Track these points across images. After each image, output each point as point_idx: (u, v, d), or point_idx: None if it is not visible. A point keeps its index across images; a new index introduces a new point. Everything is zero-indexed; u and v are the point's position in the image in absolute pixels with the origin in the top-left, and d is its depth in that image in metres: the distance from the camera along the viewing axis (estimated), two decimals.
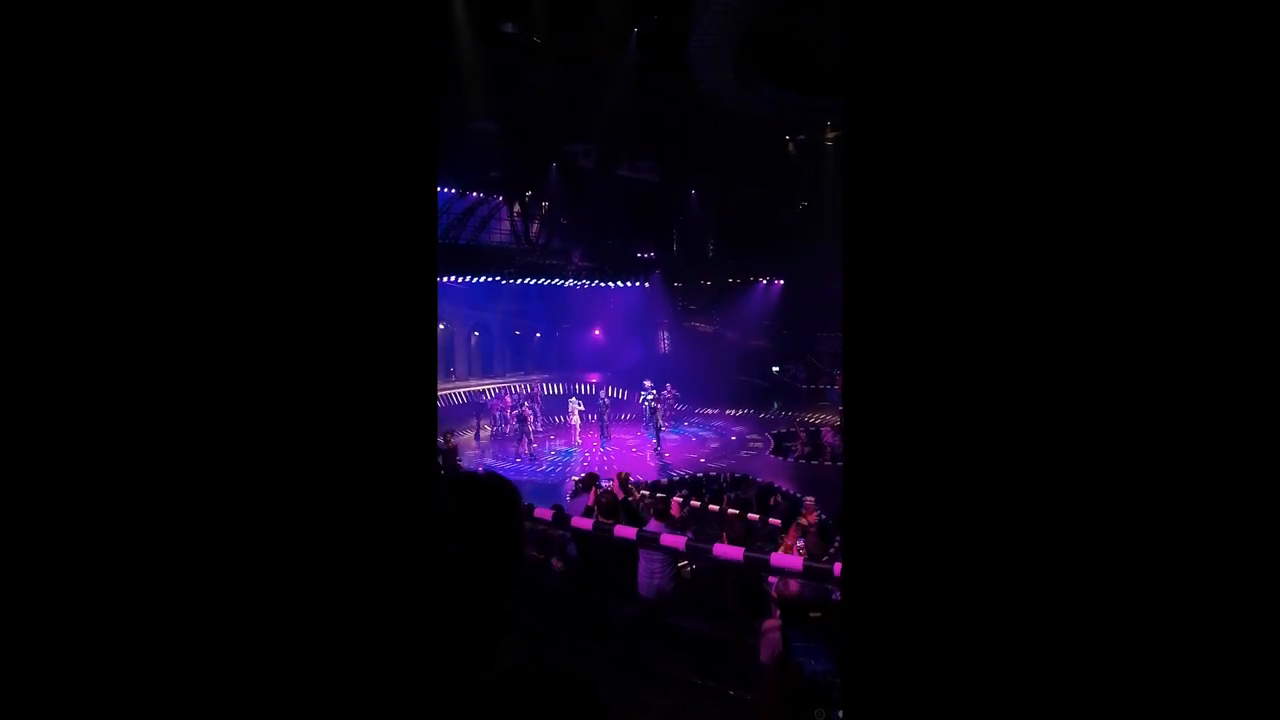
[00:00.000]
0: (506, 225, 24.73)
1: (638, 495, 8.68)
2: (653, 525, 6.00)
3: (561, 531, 5.94)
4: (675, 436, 19.88)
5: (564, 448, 19.43)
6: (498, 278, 23.36)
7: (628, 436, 21.11)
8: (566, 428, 20.47)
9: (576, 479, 11.53)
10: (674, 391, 22.59)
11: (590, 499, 6.70)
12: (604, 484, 8.56)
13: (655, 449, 18.80)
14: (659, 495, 9.04)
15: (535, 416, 18.89)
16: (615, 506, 6.04)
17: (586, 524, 5.74)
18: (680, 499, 10.86)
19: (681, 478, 15.84)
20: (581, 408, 20.72)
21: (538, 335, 27.13)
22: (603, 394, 22.46)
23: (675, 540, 5.47)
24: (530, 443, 18.46)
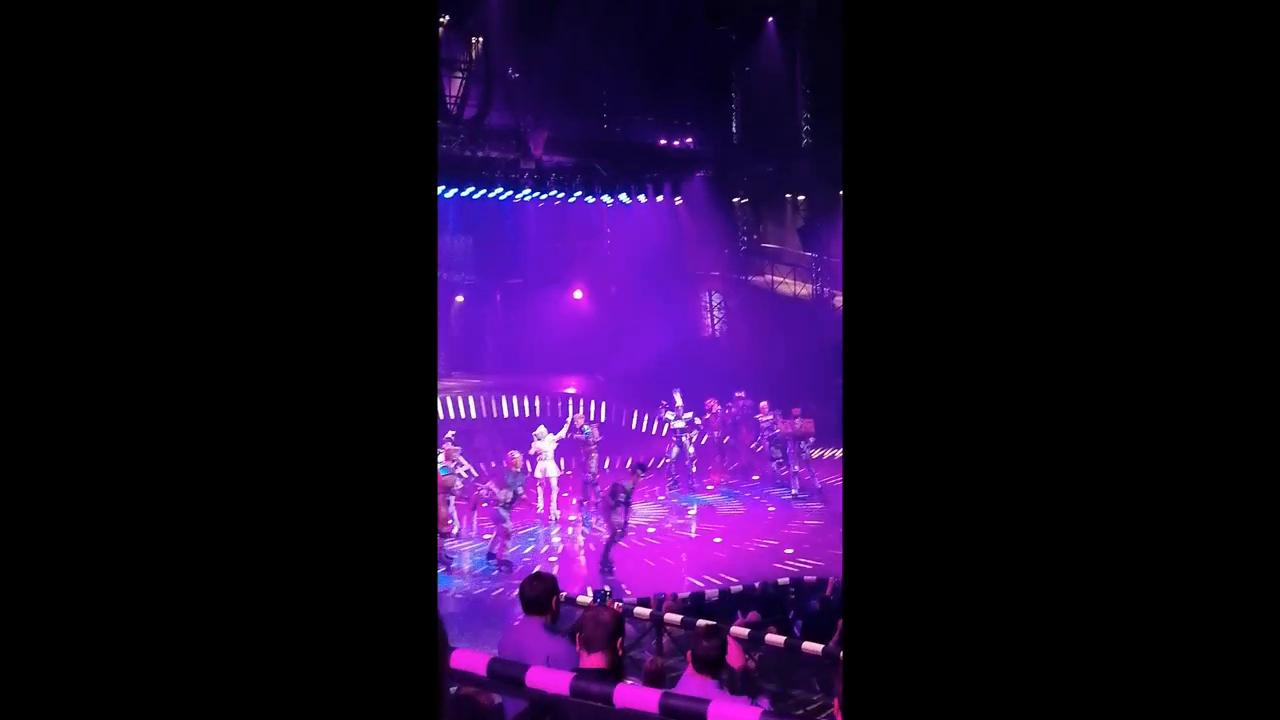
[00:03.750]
0: None
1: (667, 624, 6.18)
2: (691, 682, 3.13)
3: (500, 699, 3.10)
4: (733, 503, 12.61)
5: (525, 527, 11.69)
6: None
7: (641, 504, 11.63)
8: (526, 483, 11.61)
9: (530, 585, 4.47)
10: (766, 410, 13.05)
11: (546, 621, 3.63)
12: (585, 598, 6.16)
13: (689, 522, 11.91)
14: (701, 623, 5.15)
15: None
16: (615, 635, 3.06)
17: (560, 681, 2.63)
18: (743, 629, 6.42)
19: (743, 587, 9.61)
20: (552, 447, 12.03)
21: (459, 299, 15.59)
22: (577, 418, 12.84)
23: (743, 713, 2.54)
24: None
